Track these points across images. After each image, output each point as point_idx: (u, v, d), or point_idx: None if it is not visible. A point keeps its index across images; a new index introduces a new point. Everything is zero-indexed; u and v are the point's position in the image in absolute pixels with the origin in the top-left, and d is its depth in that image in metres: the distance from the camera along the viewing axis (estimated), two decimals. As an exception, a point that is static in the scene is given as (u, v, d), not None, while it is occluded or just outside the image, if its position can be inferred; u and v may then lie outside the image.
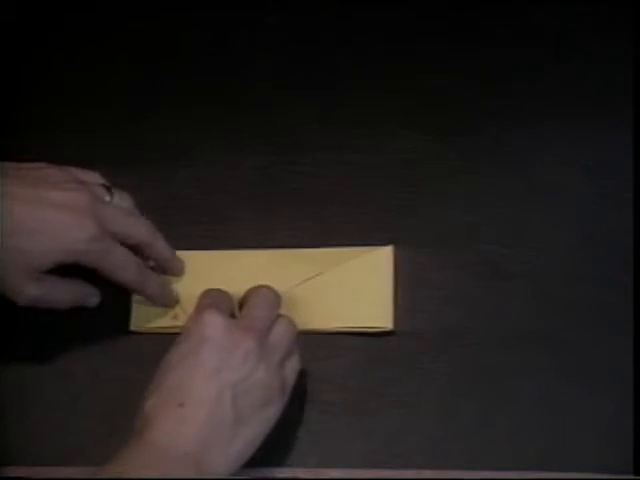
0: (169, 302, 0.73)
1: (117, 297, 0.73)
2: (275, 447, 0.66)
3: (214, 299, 0.67)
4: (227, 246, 0.76)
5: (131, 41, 0.84)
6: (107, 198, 0.71)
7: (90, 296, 0.72)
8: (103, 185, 0.72)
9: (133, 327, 0.73)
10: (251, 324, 0.64)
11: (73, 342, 0.72)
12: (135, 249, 0.71)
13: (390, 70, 0.81)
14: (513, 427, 0.66)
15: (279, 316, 0.67)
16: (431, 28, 0.83)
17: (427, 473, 0.65)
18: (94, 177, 0.72)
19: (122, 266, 0.69)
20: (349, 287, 0.72)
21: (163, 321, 0.73)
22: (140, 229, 0.70)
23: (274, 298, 0.67)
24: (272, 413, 0.63)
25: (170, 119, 0.81)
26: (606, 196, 0.74)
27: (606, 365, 0.67)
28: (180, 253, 0.74)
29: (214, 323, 0.63)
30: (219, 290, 0.68)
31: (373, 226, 0.76)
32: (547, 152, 0.77)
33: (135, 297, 0.73)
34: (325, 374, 0.70)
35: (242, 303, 0.68)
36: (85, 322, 0.73)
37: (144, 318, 0.73)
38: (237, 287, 0.71)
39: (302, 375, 0.69)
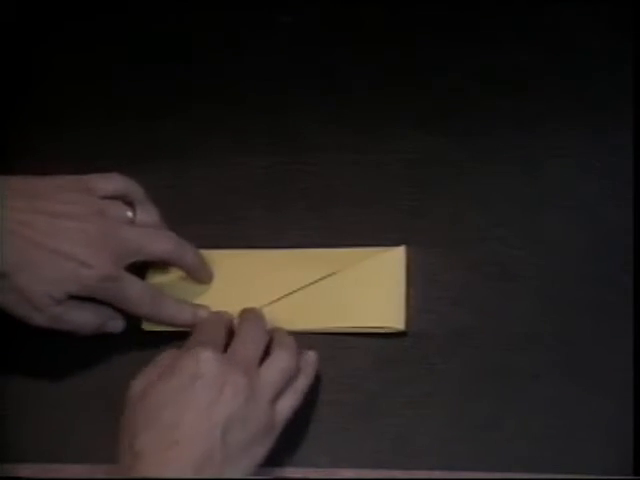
0: (183, 324, 0.71)
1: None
2: (286, 447, 0.66)
3: (208, 335, 0.66)
4: (238, 246, 0.76)
5: (136, 40, 0.85)
6: (129, 214, 0.70)
7: (113, 319, 0.71)
8: (124, 201, 0.70)
9: (145, 326, 0.73)
10: (240, 360, 0.64)
11: (82, 342, 0.71)
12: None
13: (399, 70, 0.82)
14: (516, 428, 0.66)
15: (276, 350, 0.66)
16: (437, 27, 0.83)
17: (437, 474, 0.65)
18: (114, 183, 0.70)
19: (137, 302, 0.69)
20: (361, 287, 0.72)
21: None
22: (166, 246, 0.69)
23: (261, 331, 0.67)
24: (259, 454, 0.63)
25: (178, 118, 0.81)
26: (614, 197, 0.75)
27: (606, 365, 0.68)
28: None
29: (208, 360, 0.63)
30: (213, 322, 0.68)
31: (384, 226, 0.75)
32: (557, 154, 0.77)
33: None
34: (336, 374, 0.70)
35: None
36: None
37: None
38: (250, 286, 0.72)
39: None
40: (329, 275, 0.73)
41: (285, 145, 0.80)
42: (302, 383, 0.66)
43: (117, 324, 0.71)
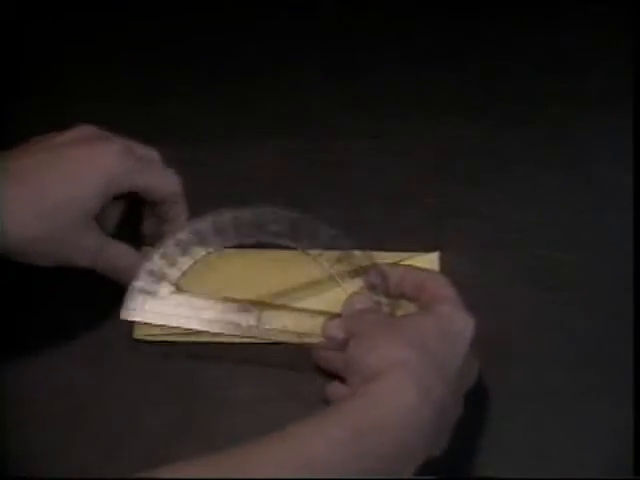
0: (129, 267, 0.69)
1: (121, 302, 0.69)
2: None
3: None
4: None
5: (142, 17, 0.83)
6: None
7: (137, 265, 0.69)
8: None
9: (137, 333, 0.69)
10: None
11: (73, 352, 0.69)
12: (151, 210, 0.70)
13: (431, 50, 0.81)
14: (517, 428, 0.65)
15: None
16: (470, 4, 0.82)
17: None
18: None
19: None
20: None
21: (171, 328, 0.69)
22: (173, 179, 0.69)
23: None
24: (449, 425, 0.62)
25: (187, 100, 0.79)
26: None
27: (607, 365, 0.66)
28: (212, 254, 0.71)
29: (471, 325, 0.63)
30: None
31: (413, 226, 0.73)
32: (607, 148, 0.76)
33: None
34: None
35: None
36: (86, 330, 0.70)
37: (148, 325, 0.69)
38: (267, 288, 0.69)
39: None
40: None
41: (304, 131, 0.78)
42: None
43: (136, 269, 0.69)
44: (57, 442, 0.66)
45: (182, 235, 0.69)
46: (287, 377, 0.68)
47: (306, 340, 0.67)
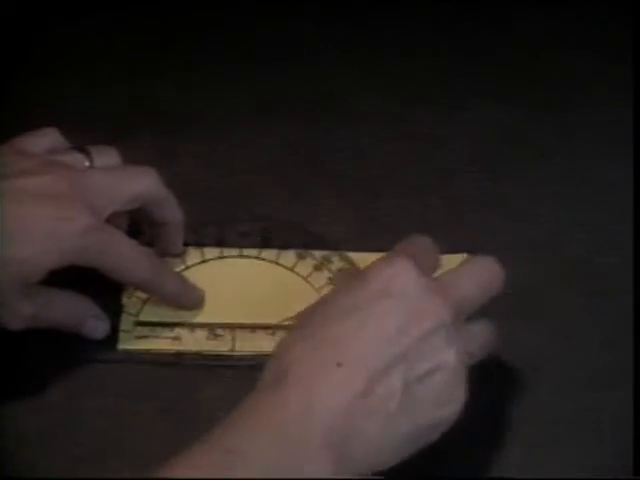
0: (195, 301, 0.67)
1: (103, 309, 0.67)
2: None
3: (417, 248, 0.60)
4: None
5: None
6: (86, 164, 0.66)
7: (95, 318, 0.66)
8: (75, 148, 0.67)
9: (122, 346, 0.67)
10: (452, 292, 0.58)
11: (48, 365, 0.66)
12: (138, 220, 0.67)
13: (461, 28, 0.80)
14: (516, 427, 0.63)
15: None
16: None
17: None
18: (53, 137, 0.67)
19: (132, 259, 0.64)
20: None
21: (160, 342, 0.67)
22: (145, 181, 0.65)
23: (493, 275, 0.60)
24: (447, 415, 0.56)
25: (177, 82, 0.77)
26: None
27: (607, 365, 0.65)
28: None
29: (407, 276, 0.57)
30: (425, 238, 0.61)
31: (438, 223, 0.70)
32: None
33: (126, 308, 0.68)
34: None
35: None
36: (63, 340, 0.66)
37: (136, 336, 0.67)
38: (236, 307, 0.67)
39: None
40: None
41: (314, 114, 0.76)
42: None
43: (98, 326, 0.66)
44: (34, 461, 0.64)
45: None
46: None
47: None
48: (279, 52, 0.79)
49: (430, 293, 0.57)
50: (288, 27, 0.80)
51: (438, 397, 0.56)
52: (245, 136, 0.74)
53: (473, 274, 0.60)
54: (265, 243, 0.68)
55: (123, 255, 0.64)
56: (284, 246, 0.68)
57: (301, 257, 0.68)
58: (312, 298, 0.65)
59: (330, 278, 0.66)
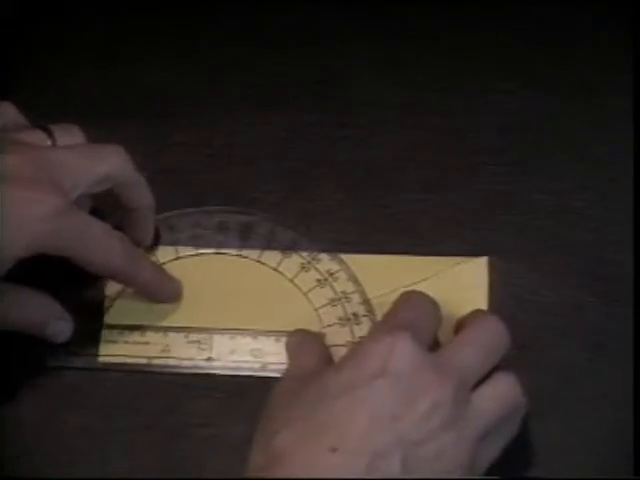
0: (172, 293, 0.66)
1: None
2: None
3: (415, 315, 0.60)
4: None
5: None
6: (48, 142, 0.64)
7: (59, 319, 0.65)
8: (36, 126, 0.65)
9: (103, 350, 0.66)
10: (452, 365, 0.58)
11: (21, 380, 0.66)
12: (107, 204, 0.66)
13: (488, 1, 0.75)
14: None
15: (499, 372, 0.60)
16: None
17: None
18: (8, 113, 0.65)
19: (105, 244, 0.62)
20: None
21: (129, 348, 0.66)
22: (115, 160, 0.64)
23: (496, 340, 0.60)
24: None
25: (170, 60, 0.74)
26: None
27: (606, 364, 0.64)
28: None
29: (405, 353, 0.57)
30: (423, 297, 0.62)
31: (455, 222, 0.68)
32: None
33: (108, 317, 0.67)
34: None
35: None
36: (37, 353, 0.66)
37: (103, 340, 0.67)
38: (216, 310, 0.66)
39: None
40: (391, 292, 0.66)
41: (317, 102, 0.73)
42: (517, 421, 0.60)
43: (62, 327, 0.65)
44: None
45: None
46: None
47: (272, 369, 0.65)
48: (280, 33, 0.76)
49: (427, 371, 0.57)
50: (290, 7, 0.76)
51: (442, 471, 0.56)
52: (241, 124, 0.72)
53: (474, 341, 0.60)
54: (244, 239, 0.67)
55: (96, 239, 0.62)
56: (267, 243, 0.67)
57: (286, 255, 0.67)
58: (299, 302, 0.65)
59: (318, 280, 0.65)
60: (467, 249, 0.67)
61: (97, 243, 0.62)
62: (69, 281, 0.67)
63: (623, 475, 0.61)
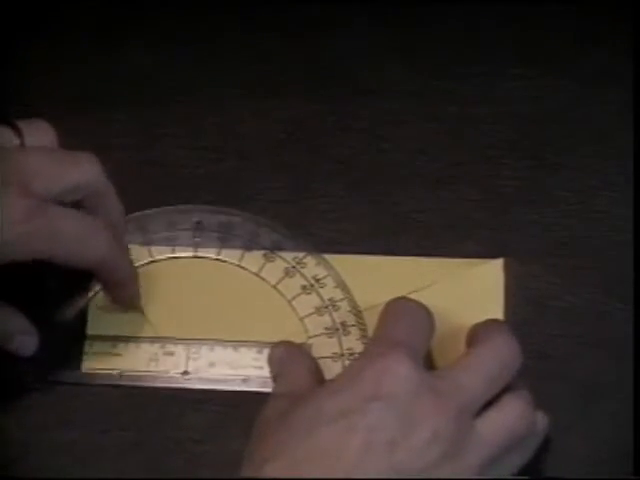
0: (137, 297, 0.65)
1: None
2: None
3: (410, 330, 0.59)
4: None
5: None
6: (16, 141, 0.63)
7: (24, 334, 0.64)
8: (4, 122, 0.64)
9: (86, 368, 0.65)
10: (455, 391, 0.56)
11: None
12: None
13: None
14: None
15: (507, 396, 0.58)
16: None
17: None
18: None
19: (84, 236, 0.61)
20: (446, 311, 0.63)
21: (99, 360, 0.65)
22: (88, 171, 0.62)
23: (507, 358, 0.58)
24: None
25: (160, 47, 0.73)
26: None
27: (606, 364, 0.63)
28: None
29: (400, 376, 0.55)
30: (416, 307, 0.60)
31: (470, 220, 0.66)
32: None
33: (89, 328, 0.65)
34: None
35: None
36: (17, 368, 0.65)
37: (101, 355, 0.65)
38: (193, 318, 0.65)
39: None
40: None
41: (319, 91, 0.71)
42: (530, 447, 0.59)
43: (27, 341, 0.64)
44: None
45: None
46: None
47: (254, 383, 0.64)
48: (277, 17, 0.74)
49: (426, 395, 0.55)
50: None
51: None
52: (237, 115, 0.71)
53: (481, 362, 0.58)
54: (223, 240, 0.65)
55: (73, 234, 0.61)
56: (249, 245, 0.66)
57: (269, 260, 0.65)
58: (283, 310, 0.64)
59: (304, 286, 0.64)
60: (482, 250, 0.66)
61: (75, 238, 0.61)
62: (45, 294, 0.66)
63: (623, 475, 0.61)
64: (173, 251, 0.66)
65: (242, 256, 0.65)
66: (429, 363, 0.64)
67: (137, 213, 0.66)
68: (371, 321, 0.64)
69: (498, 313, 0.64)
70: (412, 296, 0.64)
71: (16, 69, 0.73)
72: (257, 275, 0.65)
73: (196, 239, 0.66)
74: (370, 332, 0.64)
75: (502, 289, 0.65)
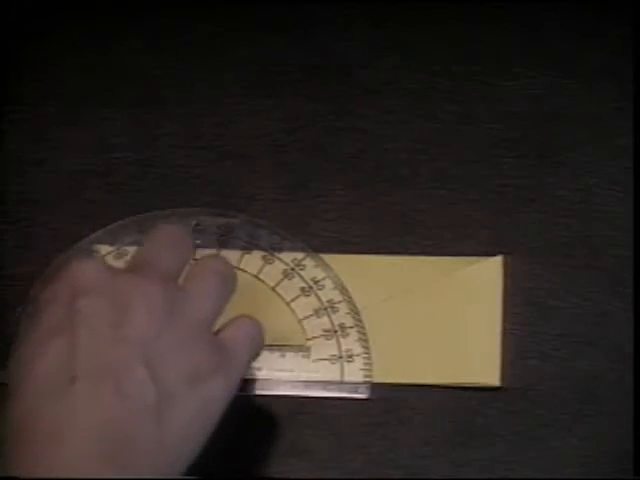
0: None
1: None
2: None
3: (159, 250, 0.58)
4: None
5: None
6: None
7: None
8: None
9: None
10: (146, 267, 0.57)
11: None
12: None
13: None
14: (517, 427, 0.62)
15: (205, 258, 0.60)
16: None
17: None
18: None
19: None
20: (445, 309, 0.64)
21: None
22: None
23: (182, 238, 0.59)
24: (213, 390, 0.55)
25: (156, 42, 0.72)
26: None
27: (606, 364, 0.63)
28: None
29: (84, 269, 0.55)
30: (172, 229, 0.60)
31: (471, 219, 0.66)
32: None
33: None
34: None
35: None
36: None
37: None
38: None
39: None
40: (388, 297, 0.65)
41: (319, 89, 0.70)
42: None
43: None
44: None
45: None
46: (289, 430, 0.63)
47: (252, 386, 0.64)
48: (279, 17, 0.73)
49: (120, 276, 0.55)
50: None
51: (188, 372, 0.54)
52: (235, 113, 0.70)
53: (161, 237, 0.58)
54: (222, 243, 0.65)
55: None
56: (247, 247, 0.65)
57: (268, 261, 0.65)
58: (281, 312, 0.64)
59: (302, 288, 0.64)
60: (482, 250, 0.65)
61: None
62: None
63: (623, 475, 0.61)
64: None
65: (241, 258, 0.65)
66: (429, 363, 0.64)
67: (136, 216, 0.66)
68: (370, 321, 0.64)
69: (495, 312, 0.64)
70: (411, 295, 0.64)
71: (15, 69, 0.72)
72: (256, 277, 0.65)
73: (195, 241, 0.65)
74: (369, 333, 0.64)
75: (501, 286, 0.65)
